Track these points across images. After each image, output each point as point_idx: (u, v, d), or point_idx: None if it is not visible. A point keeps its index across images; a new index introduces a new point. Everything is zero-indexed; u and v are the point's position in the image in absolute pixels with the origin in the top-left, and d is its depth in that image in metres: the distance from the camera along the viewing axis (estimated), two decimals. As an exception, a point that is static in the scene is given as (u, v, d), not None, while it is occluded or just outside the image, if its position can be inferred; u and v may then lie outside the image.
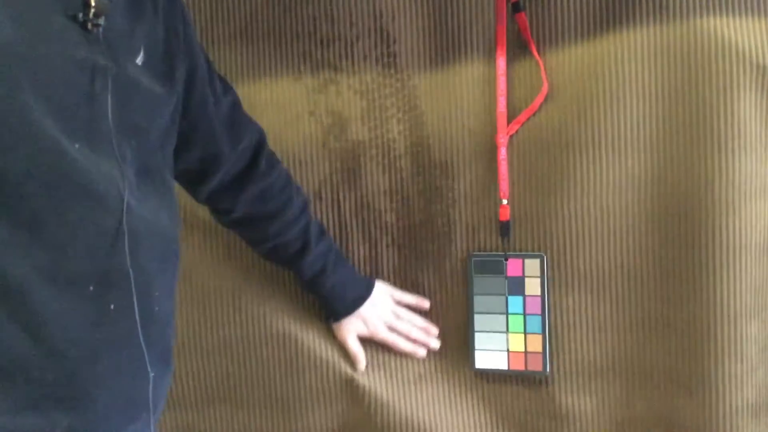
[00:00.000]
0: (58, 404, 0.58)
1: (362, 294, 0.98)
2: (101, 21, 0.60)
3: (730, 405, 0.89)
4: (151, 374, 0.67)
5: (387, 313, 0.99)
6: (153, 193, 0.69)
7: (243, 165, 0.88)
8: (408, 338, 1.00)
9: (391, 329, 1.00)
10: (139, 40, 0.67)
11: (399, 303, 1.01)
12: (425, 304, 1.01)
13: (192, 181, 0.87)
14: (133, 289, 0.63)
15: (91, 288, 0.60)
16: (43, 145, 0.55)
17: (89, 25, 0.59)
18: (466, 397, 1.02)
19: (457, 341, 1.01)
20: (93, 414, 0.61)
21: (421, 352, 1.01)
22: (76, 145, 0.58)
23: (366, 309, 0.98)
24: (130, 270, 0.63)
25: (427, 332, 1.01)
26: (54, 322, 0.57)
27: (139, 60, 0.67)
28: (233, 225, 0.94)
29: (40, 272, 0.56)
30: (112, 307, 0.61)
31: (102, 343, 0.61)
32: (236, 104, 0.88)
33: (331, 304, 0.98)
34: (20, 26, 0.54)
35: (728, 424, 0.90)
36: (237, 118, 0.87)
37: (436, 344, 1.01)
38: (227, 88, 0.87)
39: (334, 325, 1.00)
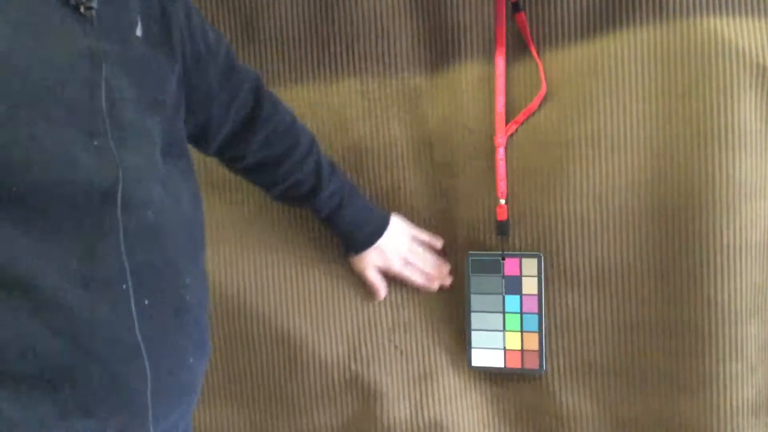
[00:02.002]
0: (106, 406, 0.56)
1: (380, 227, 0.94)
2: (94, 3, 0.56)
3: (730, 405, 0.86)
4: (190, 360, 0.65)
5: (403, 247, 0.96)
6: (177, 176, 0.65)
7: (247, 111, 0.84)
8: (422, 273, 0.97)
9: (406, 263, 0.96)
10: (134, 10, 0.63)
11: (414, 239, 0.97)
12: (438, 243, 0.98)
13: (200, 138, 0.82)
14: (165, 283, 0.61)
15: (124, 286, 0.57)
16: (55, 151, 0.53)
17: (82, 9, 0.56)
18: (469, 393, 0.98)
19: (459, 336, 0.98)
20: (140, 409, 0.59)
21: (434, 286, 0.97)
22: (95, 142, 0.55)
23: (383, 242, 0.94)
24: (159, 264, 0.60)
25: (440, 269, 0.97)
26: (91, 326, 0.55)
27: (138, 32, 0.62)
28: (246, 172, 0.90)
29: (71, 278, 0.54)
30: (146, 302, 0.59)
31: (141, 340, 0.58)
32: (230, 50, 0.82)
33: (349, 238, 0.95)
34: (18, 30, 0.51)
35: (728, 423, 0.86)
36: (232, 66, 0.81)
37: (448, 280, 0.98)
38: (219, 37, 0.81)
39: (353, 259, 0.97)
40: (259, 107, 0.84)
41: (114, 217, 0.56)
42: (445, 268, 0.98)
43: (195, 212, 0.69)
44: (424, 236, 0.97)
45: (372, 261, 0.95)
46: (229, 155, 0.87)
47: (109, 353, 0.56)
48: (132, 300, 0.58)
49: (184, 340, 0.64)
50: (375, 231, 0.94)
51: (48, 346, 0.53)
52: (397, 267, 0.96)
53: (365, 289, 0.98)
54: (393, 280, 0.98)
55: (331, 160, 0.93)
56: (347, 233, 0.94)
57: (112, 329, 0.56)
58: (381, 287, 0.97)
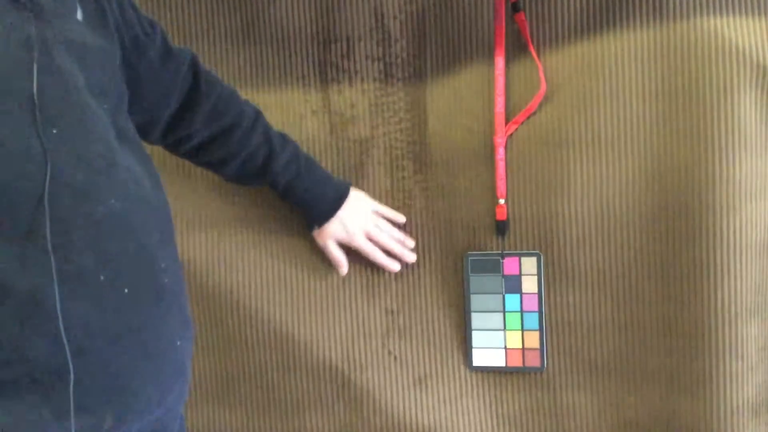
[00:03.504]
0: (101, 399, 0.56)
1: (340, 194, 0.91)
2: None
3: (730, 404, 0.85)
4: (178, 343, 0.64)
5: (366, 221, 0.93)
6: (135, 162, 0.64)
7: (187, 89, 0.81)
8: (385, 250, 0.94)
9: (370, 238, 0.93)
10: None
11: (377, 213, 0.95)
12: (401, 218, 0.96)
13: (145, 125, 0.80)
14: (142, 270, 0.60)
15: (102, 278, 0.55)
16: (8, 146, 0.52)
17: None
18: (466, 397, 0.97)
19: (457, 340, 0.97)
20: (133, 398, 0.59)
21: (395, 267, 0.95)
22: (54, 131, 0.54)
23: (346, 213, 0.92)
24: (132, 251, 0.59)
25: (403, 245, 0.95)
26: (75, 322, 0.53)
27: (79, 15, 0.61)
28: (195, 153, 0.87)
29: (46, 277, 0.52)
30: (126, 291, 0.57)
31: (125, 330, 0.57)
32: (165, 33, 0.79)
33: (309, 209, 0.92)
34: None
35: (728, 423, 0.85)
36: (169, 48, 0.79)
37: (411, 257, 0.95)
38: (152, 21, 0.78)
39: (316, 233, 0.94)
40: (197, 83, 0.82)
41: (74, 207, 0.55)
42: (409, 243, 0.95)
43: (159, 196, 0.67)
44: (387, 212, 0.95)
45: (333, 233, 0.92)
46: (175, 138, 0.84)
47: (97, 347, 0.55)
48: (111, 291, 0.56)
49: (169, 324, 0.63)
50: (335, 201, 0.91)
51: (35, 348, 0.52)
52: (359, 241, 0.93)
53: (361, 294, 0.97)
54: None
55: (281, 132, 0.90)
56: (307, 204, 0.91)
57: (96, 323, 0.55)
58: (343, 262, 0.95)
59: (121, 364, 0.57)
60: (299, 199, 0.91)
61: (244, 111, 0.86)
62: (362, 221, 0.93)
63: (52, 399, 0.53)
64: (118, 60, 0.68)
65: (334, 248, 0.94)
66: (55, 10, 0.58)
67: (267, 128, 0.87)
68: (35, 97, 0.53)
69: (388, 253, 0.94)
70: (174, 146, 0.86)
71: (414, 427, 0.96)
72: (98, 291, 0.56)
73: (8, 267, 0.51)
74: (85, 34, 0.61)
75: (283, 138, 0.89)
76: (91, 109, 0.59)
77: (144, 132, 0.81)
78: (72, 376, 0.53)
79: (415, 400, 0.97)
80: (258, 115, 0.87)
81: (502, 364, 0.94)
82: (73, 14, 0.60)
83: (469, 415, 0.97)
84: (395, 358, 0.97)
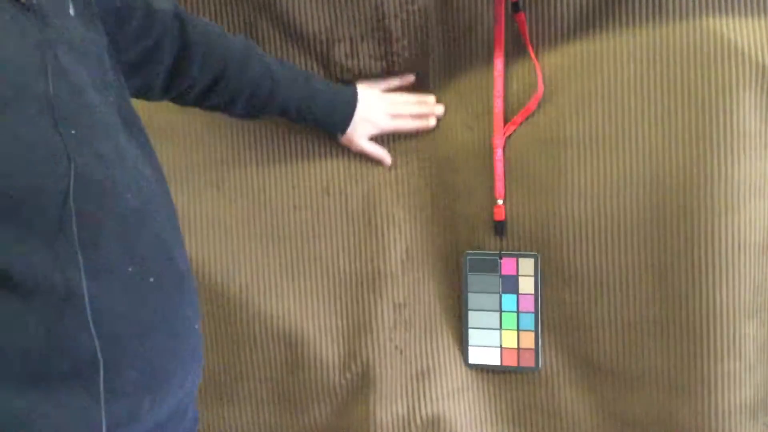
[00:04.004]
0: (137, 384, 0.58)
1: (350, 97, 0.92)
2: None
3: (728, 404, 0.83)
4: (195, 326, 0.66)
5: (382, 104, 0.94)
6: (141, 154, 0.65)
7: (176, 44, 0.80)
8: (412, 116, 0.95)
9: (394, 116, 0.95)
10: None
11: (387, 90, 0.95)
12: (410, 77, 0.96)
13: (144, 88, 0.80)
14: (161, 259, 0.62)
15: (130, 269, 0.57)
16: (31, 148, 0.53)
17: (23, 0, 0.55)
18: (467, 391, 0.96)
19: (458, 335, 0.96)
20: (165, 381, 0.61)
21: (431, 123, 0.96)
22: (72, 131, 0.55)
23: (362, 109, 0.92)
24: (152, 242, 0.61)
25: (425, 104, 0.96)
26: (107, 314, 0.55)
27: (71, 11, 0.61)
28: (200, 100, 0.87)
29: (79, 272, 0.53)
30: (151, 280, 0.59)
31: (154, 317, 0.59)
32: None
33: (329, 120, 0.93)
34: None
35: (726, 423, 0.84)
36: (152, 8, 0.78)
37: (440, 109, 0.96)
38: None
39: (344, 140, 0.95)
40: (185, 36, 0.81)
41: (98, 204, 0.56)
42: (430, 99, 0.96)
43: (163, 186, 0.68)
44: (395, 81, 0.96)
45: (362, 132, 0.94)
46: (177, 90, 0.84)
47: (130, 335, 0.57)
48: (139, 282, 0.58)
49: (188, 308, 0.65)
50: (348, 105, 0.92)
51: (72, 341, 0.53)
52: (388, 125, 0.94)
53: (369, 288, 0.97)
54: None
55: (278, 59, 0.91)
56: (324, 119, 0.92)
57: (129, 313, 0.57)
58: (383, 154, 0.96)
59: (153, 349, 0.59)
60: (314, 117, 0.92)
61: (236, 48, 0.85)
62: (381, 107, 0.94)
63: (90, 388, 0.54)
64: (107, 47, 0.68)
65: (369, 146, 0.95)
66: (53, 10, 0.59)
67: (263, 58, 0.87)
68: (52, 100, 0.54)
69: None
70: (178, 99, 0.86)
71: (417, 419, 0.96)
72: (128, 282, 0.57)
73: (41, 265, 0.52)
74: (79, 30, 0.62)
75: (281, 64, 0.90)
76: (99, 107, 0.60)
77: (144, 93, 0.81)
78: (102, 364, 0.54)
79: (419, 393, 0.96)
80: (250, 49, 0.87)
81: (497, 362, 0.93)
82: (67, 11, 0.61)
83: (469, 409, 0.96)
84: (401, 351, 0.97)
